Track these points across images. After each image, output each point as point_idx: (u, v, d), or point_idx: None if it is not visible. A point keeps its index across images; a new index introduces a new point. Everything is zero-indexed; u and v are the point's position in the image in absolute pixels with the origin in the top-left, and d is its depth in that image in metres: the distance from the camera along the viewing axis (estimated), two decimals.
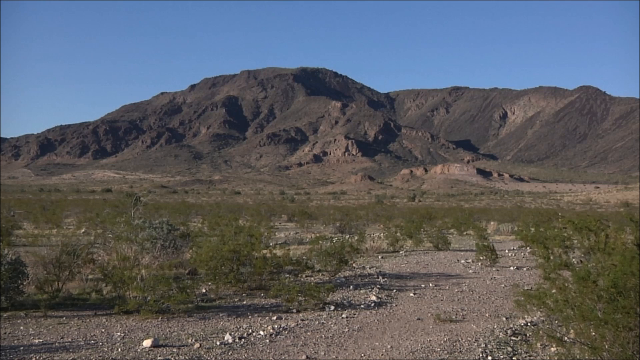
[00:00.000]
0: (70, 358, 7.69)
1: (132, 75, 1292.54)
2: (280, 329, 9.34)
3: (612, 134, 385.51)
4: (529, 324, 9.87)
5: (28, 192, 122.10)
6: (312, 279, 14.65)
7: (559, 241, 11.73)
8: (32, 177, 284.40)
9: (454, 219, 38.93)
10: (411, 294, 12.77)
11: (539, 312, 8.95)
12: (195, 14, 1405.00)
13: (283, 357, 7.87)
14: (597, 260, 7.69)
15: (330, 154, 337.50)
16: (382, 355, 8.02)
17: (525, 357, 7.97)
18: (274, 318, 10.19)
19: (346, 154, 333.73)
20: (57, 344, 8.32)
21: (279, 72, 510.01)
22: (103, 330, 9.20)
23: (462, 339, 8.81)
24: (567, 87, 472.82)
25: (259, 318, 10.22)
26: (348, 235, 26.47)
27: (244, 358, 7.82)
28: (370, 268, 17.08)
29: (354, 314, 10.60)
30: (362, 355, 8.01)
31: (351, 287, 13.52)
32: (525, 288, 12.65)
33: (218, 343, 8.43)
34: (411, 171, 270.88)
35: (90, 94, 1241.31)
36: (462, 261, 19.21)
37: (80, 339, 8.60)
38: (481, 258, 18.39)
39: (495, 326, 9.74)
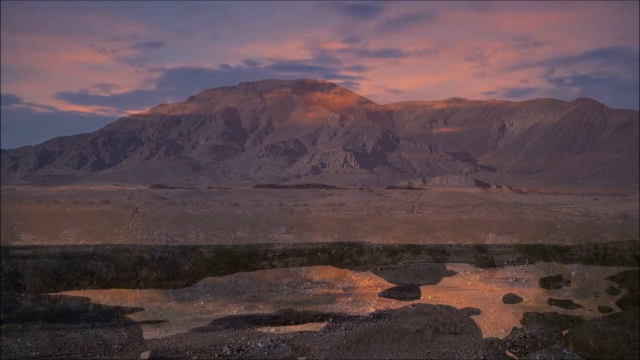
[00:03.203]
0: None
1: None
2: (279, 340, 9.31)
3: (610, 145, 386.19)
4: (527, 336, 9.84)
5: (26, 204, 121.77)
6: (311, 290, 14.62)
7: (557, 253, 11.77)
8: (30, 189, 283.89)
9: (453, 230, 38.92)
10: (410, 306, 12.75)
11: (537, 324, 8.93)
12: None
13: None
14: (596, 272, 7.71)
15: (328, 165, 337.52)
16: None
17: None
18: (272, 330, 10.16)
19: (345, 165, 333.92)
20: (54, 356, 8.28)
21: (277, 84, 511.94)
22: (101, 342, 9.16)
23: (460, 351, 8.78)
24: (565, 99, 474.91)
25: (257, 330, 10.19)
26: (346, 247, 26.43)
27: None
28: (368, 280, 17.05)
29: (353, 326, 10.57)
30: None
31: (350, 298, 13.49)
32: (524, 300, 12.64)
33: (216, 355, 8.40)
34: (410, 183, 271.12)
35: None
36: (461, 273, 19.17)
37: (78, 352, 8.56)
38: (479, 270, 18.38)
39: (494, 338, 9.72)
